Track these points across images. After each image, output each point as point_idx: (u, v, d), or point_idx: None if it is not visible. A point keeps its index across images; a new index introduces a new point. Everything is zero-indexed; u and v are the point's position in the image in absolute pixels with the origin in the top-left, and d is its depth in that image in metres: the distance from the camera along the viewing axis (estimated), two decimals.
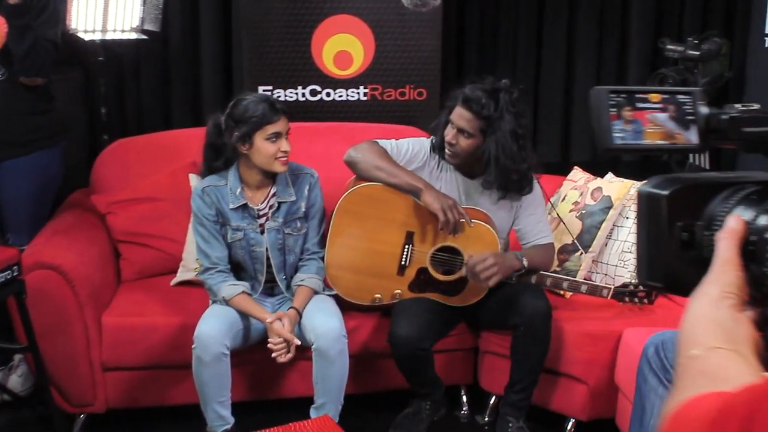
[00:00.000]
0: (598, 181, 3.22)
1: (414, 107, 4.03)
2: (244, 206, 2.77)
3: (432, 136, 2.93)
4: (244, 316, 2.72)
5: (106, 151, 3.47)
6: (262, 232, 2.79)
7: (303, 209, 2.83)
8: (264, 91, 3.95)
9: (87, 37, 3.75)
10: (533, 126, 4.43)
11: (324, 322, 2.63)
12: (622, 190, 3.11)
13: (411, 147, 2.89)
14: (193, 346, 2.59)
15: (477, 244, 2.82)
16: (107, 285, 3.06)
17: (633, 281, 2.92)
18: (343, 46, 3.94)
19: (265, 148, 2.67)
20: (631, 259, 3.06)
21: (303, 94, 3.96)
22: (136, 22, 3.82)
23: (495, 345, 3.01)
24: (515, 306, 2.74)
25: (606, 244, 3.13)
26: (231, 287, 2.72)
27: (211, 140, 2.80)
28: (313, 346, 2.62)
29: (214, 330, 2.58)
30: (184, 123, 4.18)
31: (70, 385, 2.90)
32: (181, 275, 3.17)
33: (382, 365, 3.02)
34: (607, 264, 3.12)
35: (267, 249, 2.79)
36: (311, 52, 3.93)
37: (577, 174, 3.36)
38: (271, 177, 2.79)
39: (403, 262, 2.85)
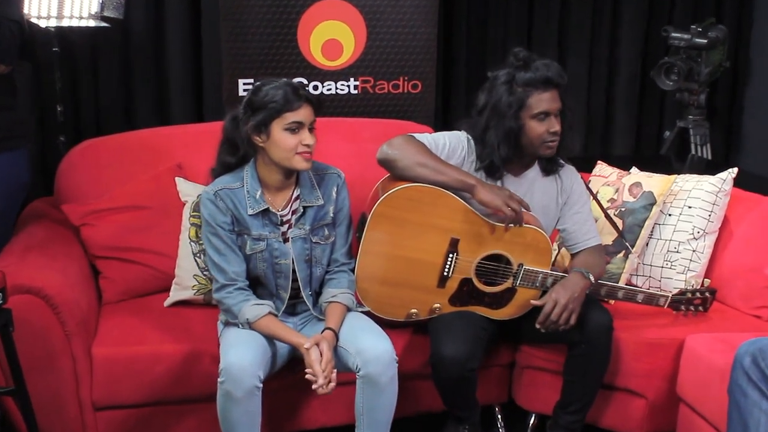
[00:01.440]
0: (635, 176, 2.97)
1: (408, 101, 3.71)
2: (265, 212, 2.39)
3: (467, 136, 2.59)
4: (271, 340, 2.34)
5: (73, 153, 3.00)
6: (285, 241, 2.41)
7: (331, 214, 2.47)
8: (245, 84, 3.54)
9: (41, 23, 3.27)
10: None
11: (374, 345, 2.27)
12: (665, 185, 2.87)
13: (449, 142, 2.57)
14: (220, 380, 2.19)
15: (529, 252, 2.52)
16: (93, 310, 2.61)
17: (690, 287, 2.68)
18: (332, 34, 3.58)
19: (283, 140, 2.30)
20: (679, 259, 2.82)
21: None
22: (95, 8, 3.38)
23: (538, 359, 2.72)
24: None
25: (647, 244, 2.88)
26: (255, 307, 2.33)
27: (228, 135, 2.42)
28: (359, 373, 2.26)
29: (245, 360, 2.18)
30: (149, 122, 3.73)
31: (55, 430, 2.44)
32: (176, 294, 2.74)
33: (413, 387, 2.68)
34: (651, 265, 2.87)
35: (293, 261, 2.41)
36: (297, 40, 3.55)
37: (604, 168, 3.11)
38: (293, 177, 2.42)
39: (445, 273, 2.51)
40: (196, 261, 2.74)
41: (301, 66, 3.57)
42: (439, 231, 2.48)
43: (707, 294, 2.68)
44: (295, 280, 2.43)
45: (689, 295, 2.66)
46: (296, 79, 3.54)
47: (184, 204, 2.84)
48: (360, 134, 3.24)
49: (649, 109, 4.39)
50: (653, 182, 2.89)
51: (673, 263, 2.82)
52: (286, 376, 2.46)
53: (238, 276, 2.37)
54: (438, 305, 2.55)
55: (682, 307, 2.67)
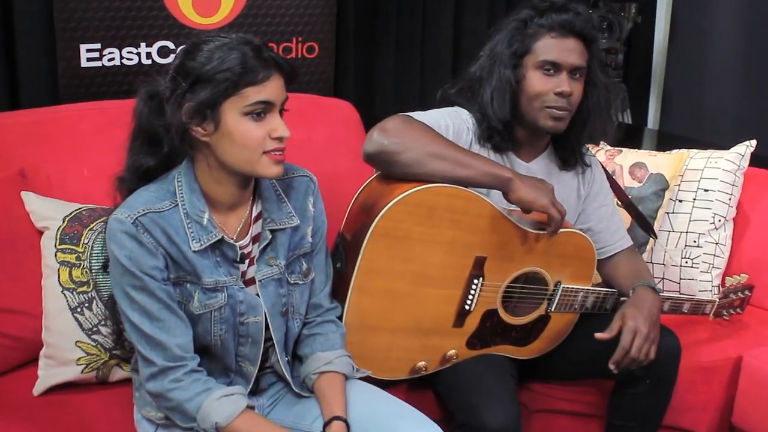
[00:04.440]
0: (632, 155, 2.41)
1: (303, 68, 2.89)
2: (217, 244, 1.52)
3: (467, 113, 1.89)
4: None
5: None
6: (246, 285, 1.57)
7: (309, 239, 1.65)
8: (89, 51, 2.54)
9: None
10: (420, 85, 3.49)
11: None
12: (677, 165, 2.34)
13: (451, 122, 1.84)
14: None
15: (569, 265, 1.87)
16: None
17: (731, 287, 2.16)
18: None
19: (243, 132, 1.46)
20: (701, 255, 2.30)
21: (148, 55, 2.61)
22: None
23: (558, 401, 2.11)
24: None
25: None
26: (225, 402, 1.47)
27: (144, 124, 1.52)
28: None
29: None
30: None
31: None
32: (51, 375, 1.78)
33: None
34: (664, 264, 2.33)
35: (266, 316, 1.57)
36: None
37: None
38: (250, 186, 1.58)
39: (467, 306, 1.79)
40: (76, 319, 1.80)
41: (165, 24, 2.62)
42: (461, 248, 1.75)
43: (747, 292, 2.20)
44: (268, 339, 1.60)
45: (732, 296, 2.16)
46: (160, 43, 2.64)
47: (42, 232, 1.88)
48: None
49: None
50: (661, 162, 2.35)
51: (694, 260, 2.30)
52: None
53: (185, 352, 1.49)
54: (454, 352, 1.83)
55: (724, 312, 2.17)
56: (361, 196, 1.78)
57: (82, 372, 1.78)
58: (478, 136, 1.86)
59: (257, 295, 1.57)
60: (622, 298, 1.89)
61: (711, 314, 2.12)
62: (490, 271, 1.79)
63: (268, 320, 1.58)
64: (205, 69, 1.45)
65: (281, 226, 1.60)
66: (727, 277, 2.19)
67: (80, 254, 1.85)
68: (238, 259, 1.55)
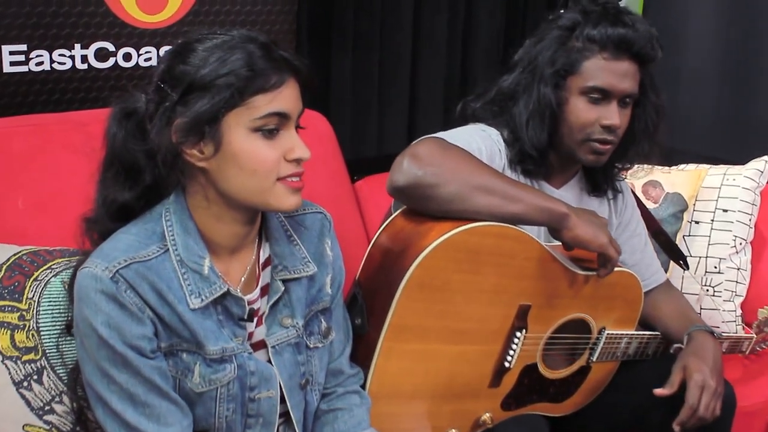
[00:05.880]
0: (644, 172, 2.18)
1: None
2: (221, 298, 1.19)
3: (497, 132, 1.61)
4: None
5: None
6: (255, 350, 1.25)
7: (328, 290, 1.34)
8: (13, 53, 2.13)
9: None
10: (377, 87, 3.19)
11: None
12: (694, 183, 2.12)
13: (484, 145, 1.55)
14: None
15: (616, 308, 1.62)
16: None
17: (764, 319, 1.96)
18: None
19: (252, 153, 1.15)
20: (723, 282, 2.10)
21: (84, 58, 2.21)
22: None
23: None
24: None
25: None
26: None
27: (119, 149, 1.18)
28: None
29: None
30: None
31: None
32: None
33: None
34: (683, 293, 2.11)
35: (281, 389, 1.25)
36: None
37: None
38: (256, 225, 1.25)
39: (506, 363, 1.51)
40: (23, 396, 1.43)
41: (104, 23, 2.24)
42: (504, 297, 1.47)
43: None
44: (283, 414, 1.28)
45: (766, 330, 1.95)
46: (97, 44, 2.25)
47: None
48: None
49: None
50: (677, 179, 2.13)
51: (716, 288, 2.09)
52: None
53: None
54: (488, 416, 1.55)
55: (758, 348, 1.97)
56: (383, 237, 1.46)
57: None
58: (509, 159, 1.59)
59: (269, 362, 1.25)
60: (676, 345, 1.66)
61: (747, 351, 1.91)
62: (534, 322, 1.51)
63: (285, 395, 1.26)
64: (201, 74, 1.12)
65: (295, 275, 1.28)
66: (759, 309, 1.99)
67: (24, 312, 1.47)
68: (245, 317, 1.22)
